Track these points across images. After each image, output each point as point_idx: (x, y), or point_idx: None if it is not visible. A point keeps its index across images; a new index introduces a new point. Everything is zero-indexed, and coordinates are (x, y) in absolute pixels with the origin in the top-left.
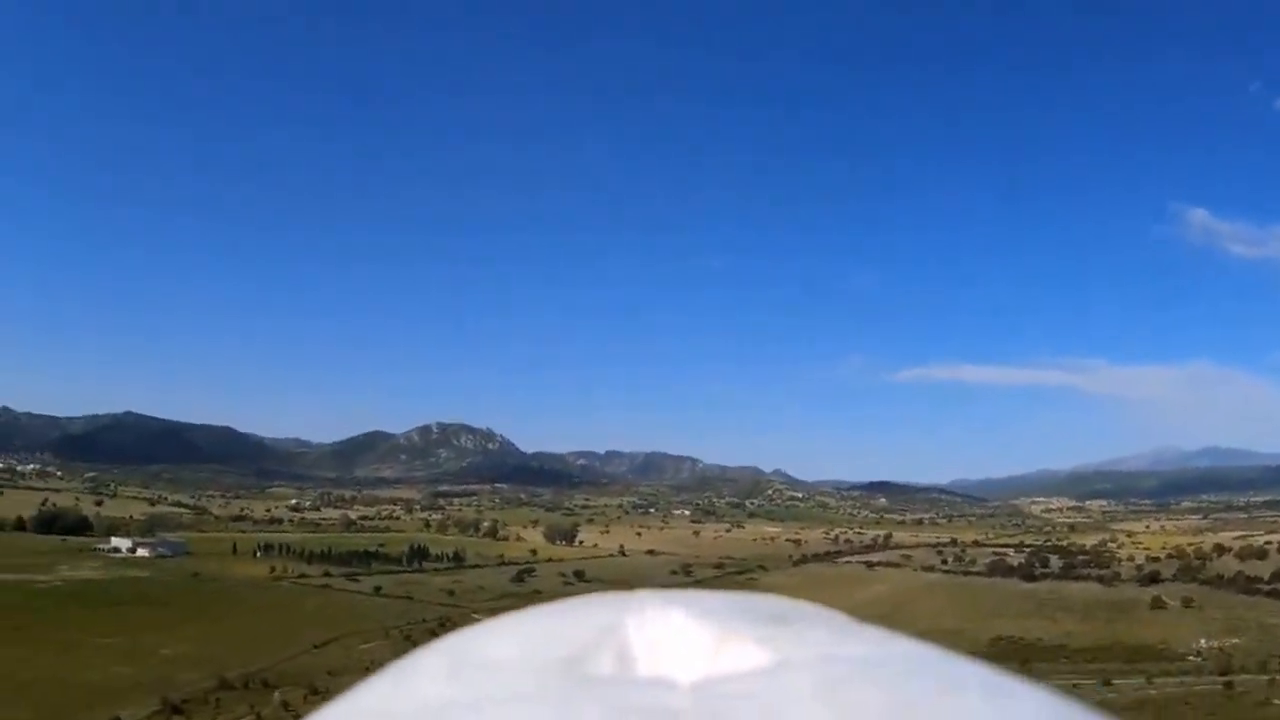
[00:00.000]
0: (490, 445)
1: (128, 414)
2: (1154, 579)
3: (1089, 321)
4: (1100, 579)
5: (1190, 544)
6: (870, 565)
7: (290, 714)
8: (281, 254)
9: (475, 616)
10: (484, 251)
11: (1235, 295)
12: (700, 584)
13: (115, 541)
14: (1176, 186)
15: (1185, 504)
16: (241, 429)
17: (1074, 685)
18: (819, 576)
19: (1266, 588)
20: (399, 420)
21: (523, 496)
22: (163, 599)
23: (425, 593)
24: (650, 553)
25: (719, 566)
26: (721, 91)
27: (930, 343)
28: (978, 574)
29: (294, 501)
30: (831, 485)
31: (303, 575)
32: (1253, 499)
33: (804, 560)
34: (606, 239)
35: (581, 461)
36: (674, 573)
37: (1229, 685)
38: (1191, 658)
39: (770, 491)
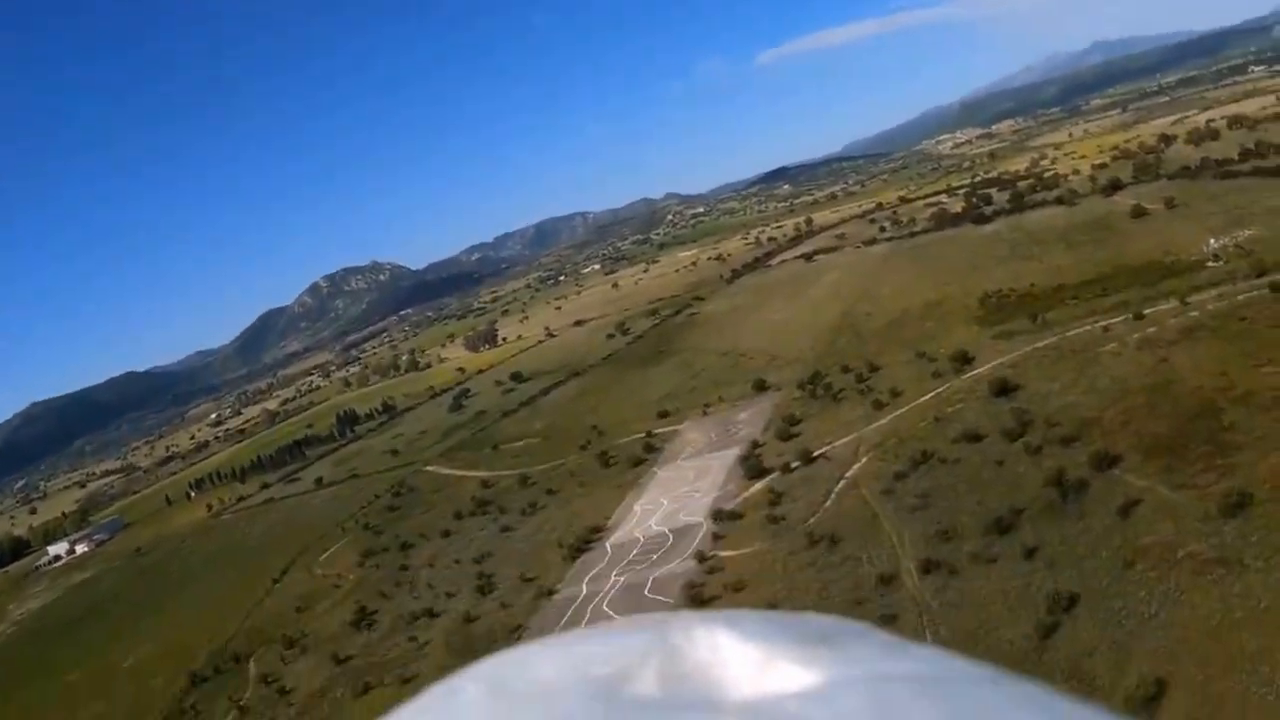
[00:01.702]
0: (381, 278)
1: (32, 405)
2: (1115, 186)
3: None
4: (1059, 201)
5: (1127, 141)
6: (808, 258)
7: (274, 687)
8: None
9: (429, 470)
10: (301, 90)
11: None
12: (641, 339)
13: (53, 550)
14: None
15: (1096, 102)
16: (141, 368)
17: (1104, 328)
18: (762, 288)
19: (1247, 168)
20: (285, 290)
21: (430, 314)
22: (112, 601)
23: (369, 463)
24: (577, 323)
25: (653, 313)
26: None
27: (782, 19)
28: (925, 232)
29: (214, 416)
30: (728, 189)
31: (240, 499)
32: (1164, 81)
33: (736, 275)
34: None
35: (475, 256)
36: (610, 335)
37: (1276, 286)
38: (1211, 263)
39: (670, 216)
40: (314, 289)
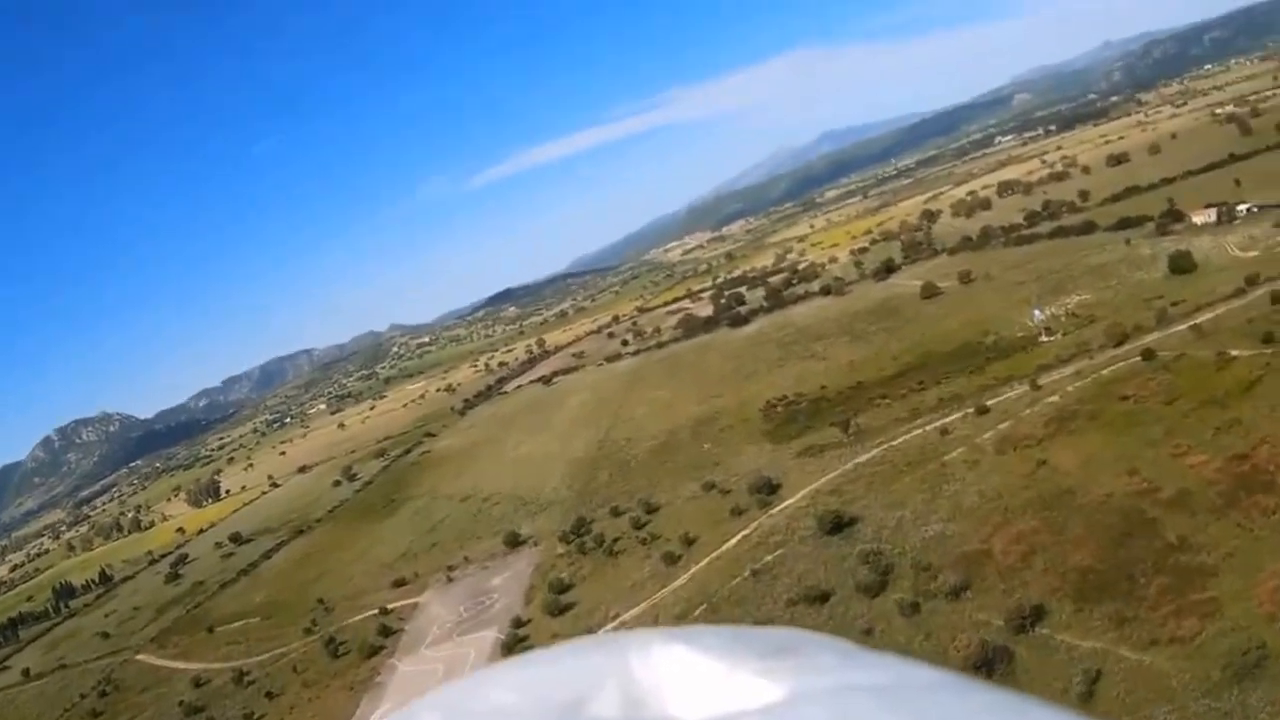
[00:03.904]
0: (111, 429)
1: None
2: (889, 268)
3: (647, 56)
4: (826, 291)
5: (881, 223)
6: (546, 381)
7: None
8: None
9: (140, 659)
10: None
11: None
12: (370, 485)
13: None
14: None
15: (831, 193)
16: None
17: (941, 430)
18: (499, 418)
19: (1045, 230)
20: (17, 445)
21: (158, 465)
22: None
23: (79, 648)
24: (302, 469)
25: (382, 453)
26: None
27: (498, 137)
28: (674, 341)
29: None
30: (453, 316)
31: None
32: (901, 164)
33: (469, 405)
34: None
35: (203, 401)
36: (337, 483)
37: (1149, 355)
38: (1045, 338)
39: (396, 348)
40: (46, 442)
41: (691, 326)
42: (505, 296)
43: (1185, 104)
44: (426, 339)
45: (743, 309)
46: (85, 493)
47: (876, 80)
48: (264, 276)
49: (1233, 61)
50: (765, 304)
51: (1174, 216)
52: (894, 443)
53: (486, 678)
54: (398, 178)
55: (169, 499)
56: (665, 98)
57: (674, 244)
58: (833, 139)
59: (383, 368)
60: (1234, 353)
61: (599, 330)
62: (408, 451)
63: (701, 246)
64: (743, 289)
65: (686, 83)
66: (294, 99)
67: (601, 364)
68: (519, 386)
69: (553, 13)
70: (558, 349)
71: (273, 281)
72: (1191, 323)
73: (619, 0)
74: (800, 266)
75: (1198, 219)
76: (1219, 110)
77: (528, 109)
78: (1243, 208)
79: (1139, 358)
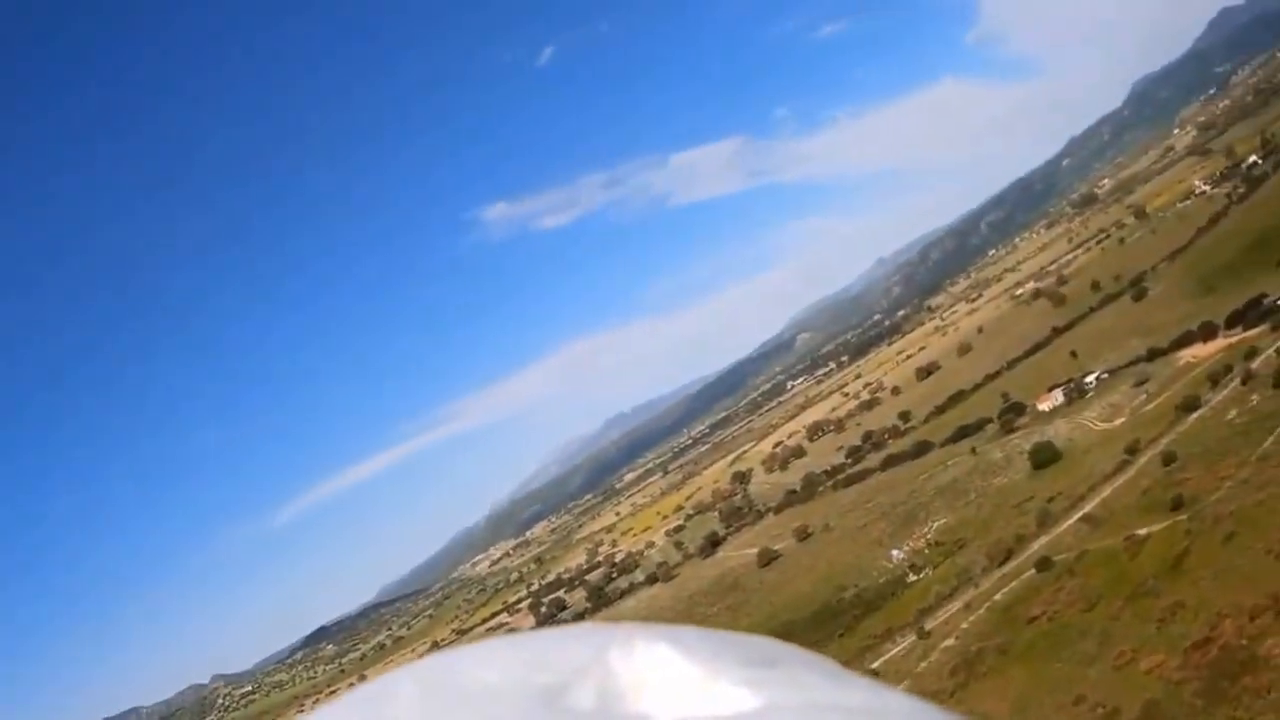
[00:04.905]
0: None
1: None
2: (715, 542)
3: (438, 375)
4: (652, 580)
5: (689, 497)
6: None
7: None
8: None
9: None
10: None
11: (568, 264)
12: None
13: None
14: (462, 193)
15: (629, 476)
16: None
17: None
18: None
19: (875, 463)
20: None
21: None
22: None
23: None
24: None
25: None
26: None
27: (289, 472)
28: None
29: None
30: (272, 660)
31: None
32: (696, 432)
33: None
34: None
35: None
36: None
37: (1045, 564)
38: (912, 577)
39: (221, 700)
40: None
41: None
42: (320, 635)
43: (980, 296)
44: (250, 688)
45: (566, 614)
46: None
47: (656, 354)
48: (79, 633)
49: (1017, 240)
50: (589, 605)
51: (1015, 410)
52: None
53: (469, 654)
54: (199, 521)
55: None
56: (449, 411)
57: (480, 556)
58: (621, 421)
59: None
60: (1143, 531)
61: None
62: None
63: (508, 555)
64: (561, 593)
65: (467, 392)
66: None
67: None
68: None
69: (328, 346)
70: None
71: (90, 640)
72: (1079, 514)
73: (401, 321)
74: (617, 558)
75: (1043, 405)
76: (1019, 292)
77: (318, 438)
78: (1090, 379)
79: (1033, 570)
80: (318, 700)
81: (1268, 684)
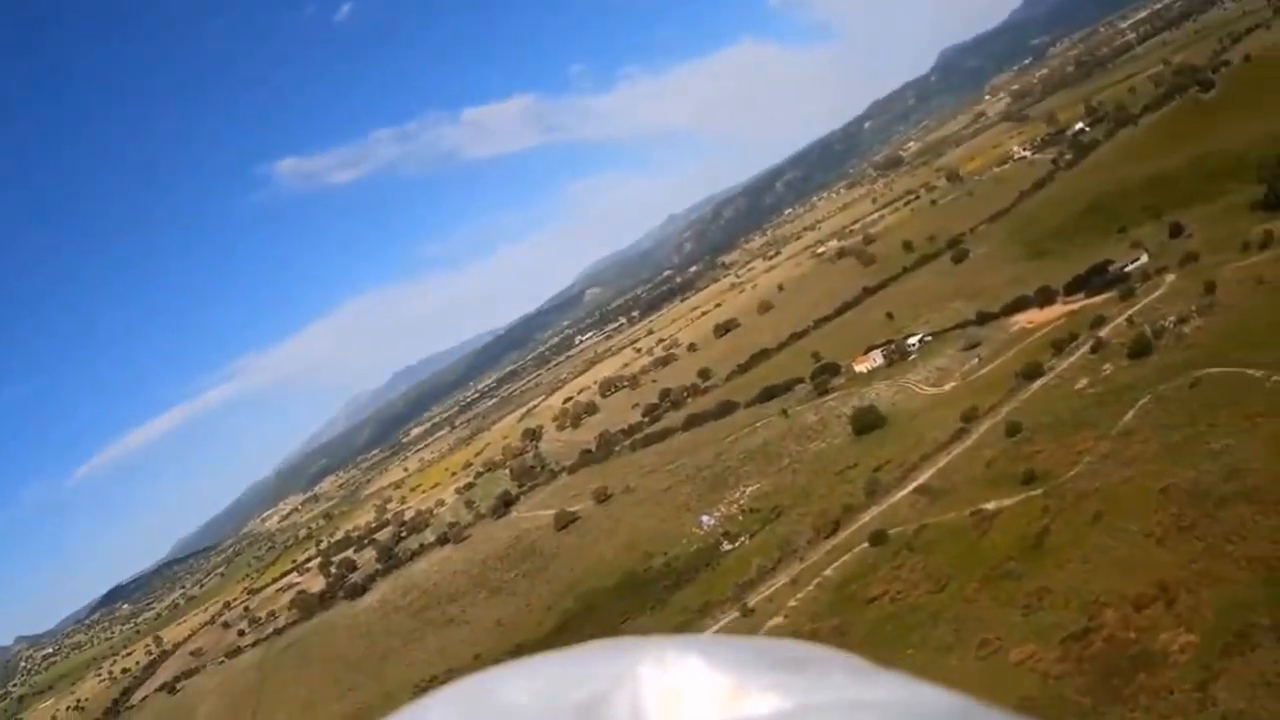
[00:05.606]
0: None
1: None
2: (507, 502)
3: (226, 330)
4: (443, 540)
5: (478, 453)
6: (171, 689)
7: None
8: None
9: None
10: None
11: (358, 219)
12: None
13: None
14: (253, 147)
15: (417, 430)
16: None
17: None
18: None
19: (678, 422)
20: None
21: None
22: None
23: None
24: None
25: None
26: None
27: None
28: (293, 624)
29: None
30: (71, 621)
31: None
32: (483, 385)
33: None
34: None
35: None
36: None
37: (880, 538)
38: (727, 546)
39: (23, 664)
40: None
41: (308, 605)
42: (116, 594)
43: (778, 254)
44: (50, 649)
45: (356, 576)
46: None
47: (445, 308)
48: None
49: (815, 199)
50: (379, 566)
51: (829, 371)
52: None
53: (499, 676)
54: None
55: None
56: (240, 366)
57: (270, 510)
58: (407, 375)
59: (15, 685)
60: (991, 506)
61: (213, 620)
62: None
63: (297, 510)
64: (350, 552)
65: (257, 347)
66: None
67: (223, 661)
68: (144, 698)
69: (118, 303)
70: (175, 647)
71: None
72: (914, 484)
73: (191, 277)
74: (406, 516)
75: (860, 367)
76: (821, 250)
77: (109, 395)
78: (913, 340)
79: (866, 544)
80: (115, 662)
81: (1169, 683)
